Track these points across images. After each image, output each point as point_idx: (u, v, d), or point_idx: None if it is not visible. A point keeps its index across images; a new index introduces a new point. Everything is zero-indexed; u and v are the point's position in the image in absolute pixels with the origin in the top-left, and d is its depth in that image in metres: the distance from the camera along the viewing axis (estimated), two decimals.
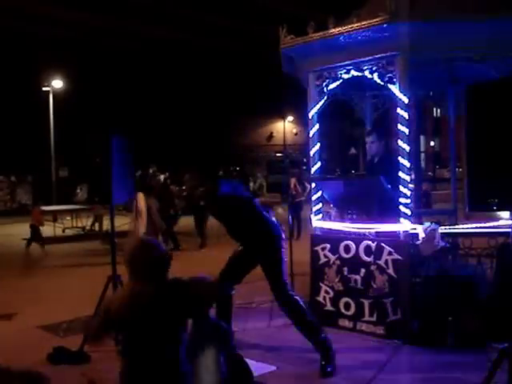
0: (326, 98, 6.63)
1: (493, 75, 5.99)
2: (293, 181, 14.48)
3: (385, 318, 5.78)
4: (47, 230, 15.18)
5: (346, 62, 6.24)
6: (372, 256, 5.90)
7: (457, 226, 6.06)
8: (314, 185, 6.81)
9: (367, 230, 6.08)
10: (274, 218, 5.47)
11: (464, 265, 6.14)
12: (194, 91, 37.59)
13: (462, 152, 3.82)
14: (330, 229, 6.46)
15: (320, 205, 6.64)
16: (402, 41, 5.74)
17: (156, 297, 3.39)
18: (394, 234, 5.87)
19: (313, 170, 6.67)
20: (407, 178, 5.87)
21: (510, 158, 3.42)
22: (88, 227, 17.74)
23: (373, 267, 5.89)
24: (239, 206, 5.34)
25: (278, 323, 6.48)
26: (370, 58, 6.00)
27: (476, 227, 5.89)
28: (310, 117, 6.65)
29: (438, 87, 7.88)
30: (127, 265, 3.50)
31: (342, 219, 6.40)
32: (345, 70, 6.31)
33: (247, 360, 4.29)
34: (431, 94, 8.03)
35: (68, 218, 18.45)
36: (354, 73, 6.25)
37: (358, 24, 5.84)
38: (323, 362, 4.99)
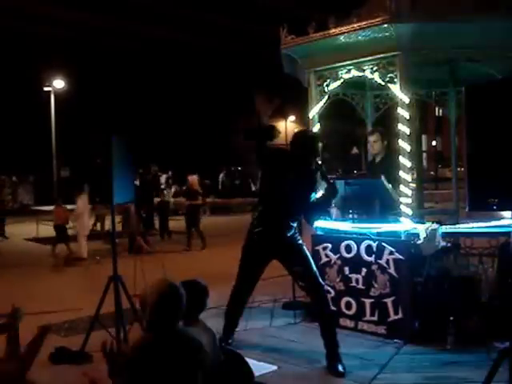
0: (327, 97, 6.64)
1: (493, 75, 5.99)
2: None
3: (386, 317, 5.78)
4: (48, 229, 15.18)
5: (347, 62, 6.25)
6: (373, 256, 5.90)
7: (458, 226, 6.05)
8: None
9: (368, 230, 6.08)
10: None
11: (465, 264, 6.14)
12: (194, 91, 37.62)
13: (463, 151, 3.81)
14: (332, 228, 6.46)
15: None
16: (403, 41, 5.74)
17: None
18: (395, 234, 5.88)
19: None
20: (408, 177, 5.87)
21: (510, 157, 3.42)
22: (89, 227, 17.71)
23: (374, 267, 5.89)
24: None
25: (279, 323, 6.50)
26: (371, 57, 6.01)
27: (477, 227, 5.88)
28: (310, 117, 6.66)
29: (439, 87, 7.89)
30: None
31: (343, 219, 6.40)
32: (346, 70, 6.32)
33: (248, 359, 4.29)
34: (432, 93, 8.03)
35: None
36: (354, 73, 6.26)
37: (359, 24, 5.85)
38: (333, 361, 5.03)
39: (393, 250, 5.76)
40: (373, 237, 5.98)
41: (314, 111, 6.64)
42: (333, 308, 6.16)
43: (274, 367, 5.14)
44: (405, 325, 5.67)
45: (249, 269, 5.46)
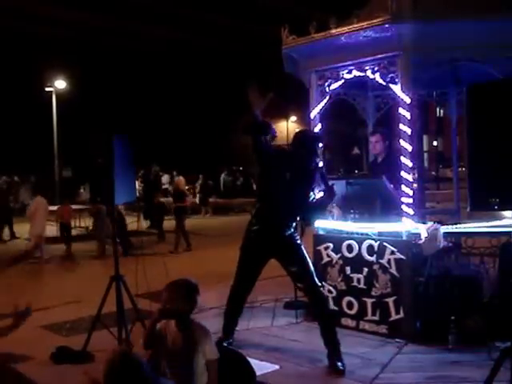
0: (328, 98, 6.64)
1: (495, 75, 5.99)
2: None
3: (387, 317, 5.79)
4: (50, 229, 15.19)
5: (348, 62, 6.25)
6: (375, 255, 5.91)
7: (459, 226, 6.06)
8: None
9: (370, 230, 6.09)
10: None
11: (466, 264, 6.15)
12: (195, 91, 37.63)
13: (464, 152, 3.82)
14: (333, 228, 6.47)
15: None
16: (404, 41, 5.75)
17: None
18: (397, 234, 5.88)
19: None
20: (410, 177, 5.87)
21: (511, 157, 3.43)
22: (91, 227, 17.74)
23: (375, 266, 5.90)
24: None
25: (281, 322, 6.51)
26: (372, 58, 6.01)
27: (478, 227, 5.89)
28: (312, 117, 6.66)
29: (441, 87, 7.88)
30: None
31: (344, 219, 6.41)
32: (347, 70, 6.32)
33: (250, 359, 4.29)
34: (434, 93, 8.03)
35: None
36: (356, 73, 6.26)
37: (360, 24, 5.86)
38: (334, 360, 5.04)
39: (394, 249, 5.76)
40: (374, 237, 5.99)
41: (315, 111, 6.65)
42: (334, 308, 6.17)
43: (276, 366, 5.15)
44: (406, 324, 5.67)
45: (247, 268, 5.45)
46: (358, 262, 6.04)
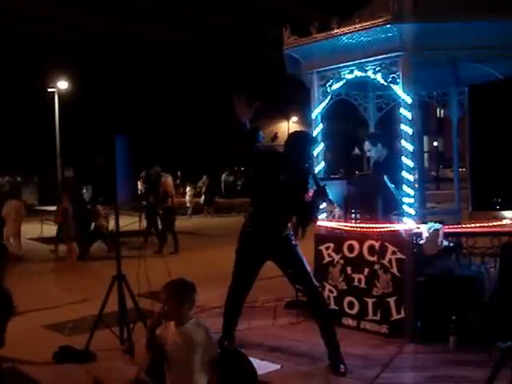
0: (329, 98, 6.66)
1: (495, 76, 6.00)
2: None
3: (388, 316, 5.80)
4: (52, 229, 15.20)
5: (350, 63, 6.26)
6: (376, 255, 5.92)
7: (460, 226, 6.06)
8: None
9: (371, 230, 6.10)
10: None
11: (467, 264, 6.15)
12: (196, 91, 37.63)
13: (465, 152, 3.83)
14: (334, 228, 6.48)
15: (324, 204, 6.65)
16: (405, 41, 5.76)
17: None
18: (398, 234, 5.89)
19: (316, 169, 6.68)
20: (411, 177, 5.89)
21: None
22: (93, 227, 17.72)
23: (376, 266, 5.91)
24: None
25: (282, 322, 6.52)
26: (374, 58, 6.02)
27: (479, 227, 5.89)
28: (313, 117, 6.67)
29: (442, 87, 7.89)
30: None
31: (345, 219, 6.42)
32: (348, 71, 6.33)
33: (251, 358, 4.31)
34: (434, 94, 8.04)
35: None
36: (357, 73, 6.28)
37: (362, 24, 5.87)
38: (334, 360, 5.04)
39: (395, 249, 5.77)
40: (375, 236, 6.00)
41: (316, 112, 6.66)
42: (335, 307, 6.19)
43: (277, 366, 5.15)
44: (407, 324, 5.68)
45: (244, 271, 5.42)
46: (359, 262, 6.05)
